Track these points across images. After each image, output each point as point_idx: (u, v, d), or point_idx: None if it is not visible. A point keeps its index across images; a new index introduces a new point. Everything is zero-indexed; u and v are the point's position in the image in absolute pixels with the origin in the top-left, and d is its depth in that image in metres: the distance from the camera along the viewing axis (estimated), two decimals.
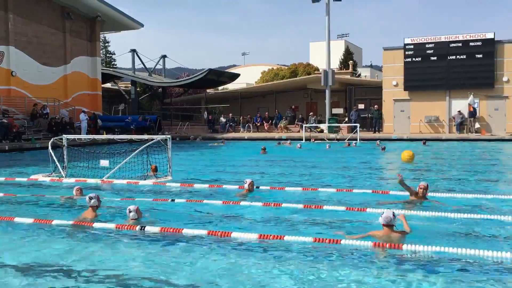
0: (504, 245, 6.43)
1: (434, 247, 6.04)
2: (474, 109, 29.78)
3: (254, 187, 10.47)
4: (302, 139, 28.69)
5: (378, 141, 25.94)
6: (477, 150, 22.43)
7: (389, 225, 6.49)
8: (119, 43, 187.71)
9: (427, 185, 9.05)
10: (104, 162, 13.38)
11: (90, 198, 8.13)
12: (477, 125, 29.83)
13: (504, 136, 27.94)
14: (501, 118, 30.19)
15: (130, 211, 7.74)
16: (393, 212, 6.56)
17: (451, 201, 9.24)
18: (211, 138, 32.06)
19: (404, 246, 6.08)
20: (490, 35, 30.15)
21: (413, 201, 8.91)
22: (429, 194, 9.21)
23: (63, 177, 13.13)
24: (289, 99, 42.10)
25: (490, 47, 30.04)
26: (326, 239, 6.53)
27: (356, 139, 27.07)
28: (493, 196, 9.83)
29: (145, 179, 12.58)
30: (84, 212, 8.24)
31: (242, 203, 9.35)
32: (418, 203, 8.81)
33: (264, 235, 6.77)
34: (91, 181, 12.54)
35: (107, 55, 57.08)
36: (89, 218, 7.98)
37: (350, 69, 44.23)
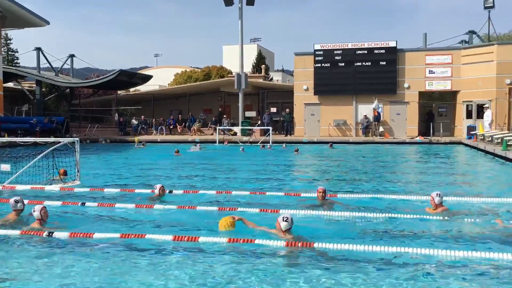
0: (407, 241, 6.87)
1: (339, 245, 6.35)
2: (379, 113, 31.44)
3: (167, 191, 10.35)
4: (215, 142, 28.81)
5: (284, 144, 26.76)
6: (379, 152, 23.70)
7: (289, 229, 6.75)
8: (22, 41, 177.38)
9: (325, 189, 9.58)
10: (5, 167, 12.56)
11: (16, 202, 7.90)
12: (381, 129, 31.50)
13: (405, 139, 29.84)
14: (402, 122, 32.11)
15: (34, 211, 7.50)
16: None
17: (350, 201, 9.81)
18: (122, 140, 31.33)
19: (316, 245, 6.33)
20: (392, 44, 31.97)
21: (317, 203, 9.31)
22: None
23: None
24: (203, 101, 42.02)
25: (393, 55, 31.85)
26: (240, 239, 6.64)
27: (268, 142, 27.60)
28: (391, 196, 10.45)
29: (51, 184, 12.00)
30: (7, 215, 7.96)
31: (156, 206, 9.22)
32: (320, 205, 9.21)
33: (179, 237, 6.76)
34: None
35: (9, 52, 53.72)
36: (11, 221, 7.74)
37: (263, 73, 45.00)
